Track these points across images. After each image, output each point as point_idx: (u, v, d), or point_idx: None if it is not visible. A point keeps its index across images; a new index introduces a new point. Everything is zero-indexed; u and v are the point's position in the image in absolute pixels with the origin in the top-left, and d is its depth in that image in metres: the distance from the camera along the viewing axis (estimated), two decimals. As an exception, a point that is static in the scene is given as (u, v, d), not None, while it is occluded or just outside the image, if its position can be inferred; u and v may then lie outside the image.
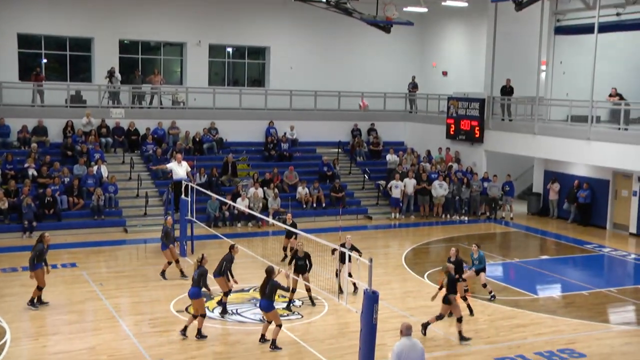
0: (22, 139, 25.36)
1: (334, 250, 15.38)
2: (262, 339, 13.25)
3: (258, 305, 13.67)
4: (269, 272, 13.10)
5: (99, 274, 17.95)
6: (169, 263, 17.54)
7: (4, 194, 22.13)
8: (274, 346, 12.93)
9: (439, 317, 13.96)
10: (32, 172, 23.48)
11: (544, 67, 28.11)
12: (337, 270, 15.65)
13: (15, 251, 20.04)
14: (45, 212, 22.36)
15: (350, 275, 14.64)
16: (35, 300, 15.11)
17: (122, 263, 18.77)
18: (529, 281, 18.96)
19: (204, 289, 13.77)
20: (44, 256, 15.13)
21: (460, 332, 13.71)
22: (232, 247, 14.94)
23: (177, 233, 19.94)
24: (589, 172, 25.99)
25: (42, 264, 15.10)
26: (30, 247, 19.75)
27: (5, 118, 25.31)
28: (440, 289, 14.22)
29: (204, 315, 13.45)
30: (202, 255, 13.81)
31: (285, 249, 19.40)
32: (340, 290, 14.82)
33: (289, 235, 18.60)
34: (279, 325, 13.02)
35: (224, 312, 14.91)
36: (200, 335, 13.36)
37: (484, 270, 16.37)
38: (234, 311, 15.12)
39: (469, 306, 15.24)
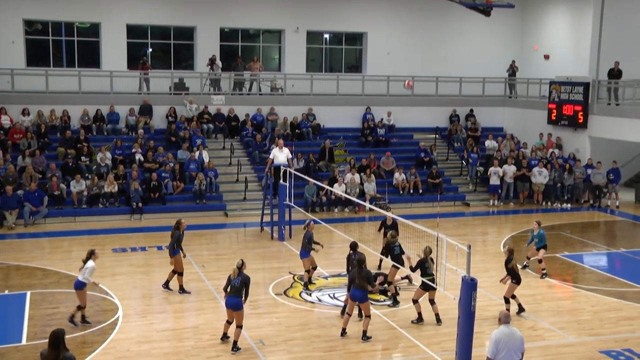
0: (129, 125, 26.46)
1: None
2: (344, 332, 12.98)
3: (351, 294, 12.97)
4: (361, 261, 12.80)
5: (201, 256, 18.50)
6: (307, 272, 15.79)
7: (114, 178, 23.23)
8: (366, 337, 12.85)
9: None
10: (138, 157, 24.53)
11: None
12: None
13: (124, 232, 21.07)
14: (151, 195, 23.31)
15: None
16: (181, 289, 15.26)
17: (222, 246, 19.29)
18: (637, 272, 18.12)
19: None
20: (181, 242, 15.30)
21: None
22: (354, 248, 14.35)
23: (275, 217, 20.37)
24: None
25: (180, 250, 15.29)
26: (137, 229, 20.99)
27: (115, 105, 26.55)
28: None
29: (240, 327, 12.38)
30: (242, 260, 12.50)
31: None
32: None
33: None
34: (368, 316, 12.90)
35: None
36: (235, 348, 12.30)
37: (544, 248, 17.05)
38: (332, 295, 15.31)
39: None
